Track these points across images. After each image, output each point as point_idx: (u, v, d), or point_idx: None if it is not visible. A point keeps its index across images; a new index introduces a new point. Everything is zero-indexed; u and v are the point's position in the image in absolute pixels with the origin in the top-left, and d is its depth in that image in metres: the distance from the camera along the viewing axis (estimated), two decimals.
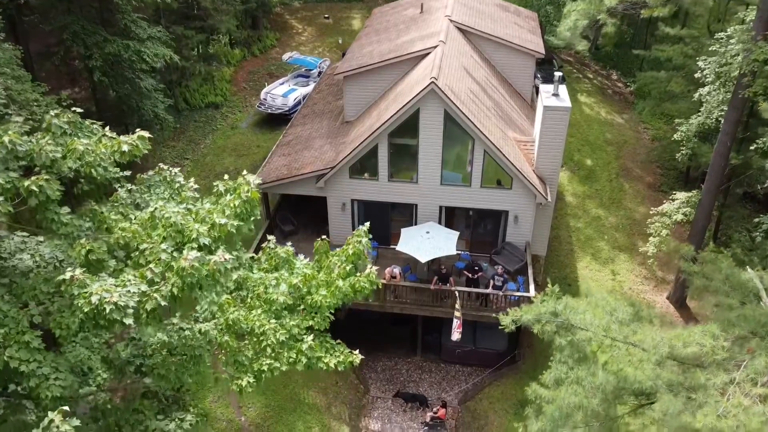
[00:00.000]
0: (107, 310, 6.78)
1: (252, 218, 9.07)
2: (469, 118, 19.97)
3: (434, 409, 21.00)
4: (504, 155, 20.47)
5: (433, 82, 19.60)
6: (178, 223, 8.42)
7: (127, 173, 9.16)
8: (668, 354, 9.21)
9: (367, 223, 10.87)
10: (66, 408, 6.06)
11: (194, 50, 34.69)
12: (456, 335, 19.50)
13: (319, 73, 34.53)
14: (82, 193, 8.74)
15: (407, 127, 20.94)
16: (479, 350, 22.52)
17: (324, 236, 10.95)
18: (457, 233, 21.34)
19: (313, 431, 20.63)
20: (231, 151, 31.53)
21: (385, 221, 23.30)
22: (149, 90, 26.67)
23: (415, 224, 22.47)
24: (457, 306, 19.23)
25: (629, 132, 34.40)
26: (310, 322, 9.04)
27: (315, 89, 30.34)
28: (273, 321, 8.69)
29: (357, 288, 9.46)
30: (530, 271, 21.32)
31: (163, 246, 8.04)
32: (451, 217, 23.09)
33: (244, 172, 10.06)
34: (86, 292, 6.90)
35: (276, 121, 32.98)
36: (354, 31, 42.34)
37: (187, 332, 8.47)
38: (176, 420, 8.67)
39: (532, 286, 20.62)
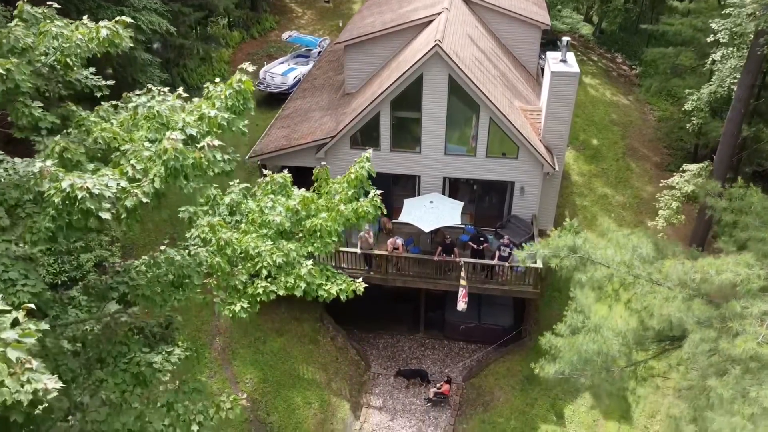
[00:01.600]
0: (79, 197, 6.09)
1: (245, 112, 8.44)
2: (474, 83, 19.33)
3: (438, 385, 20.34)
4: (510, 122, 19.83)
5: (437, 44, 18.96)
6: (163, 113, 7.81)
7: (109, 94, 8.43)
8: (701, 280, 8.55)
9: (370, 150, 10.22)
10: (31, 305, 5.41)
11: (192, 29, 34.04)
12: (461, 305, 18.83)
13: (319, 53, 33.88)
14: (59, 98, 8.06)
15: (410, 94, 20.30)
16: (484, 326, 21.85)
17: (324, 163, 10.25)
18: (462, 203, 20.69)
19: (313, 407, 19.97)
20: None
21: (387, 194, 22.59)
22: (144, 62, 25.99)
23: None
24: (462, 274, 18.57)
25: (635, 113, 33.77)
26: (310, 248, 8.39)
27: (315, 65, 29.72)
28: (269, 243, 8.04)
29: (360, 213, 8.80)
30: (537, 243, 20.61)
31: (147, 144, 7.40)
32: (454, 191, 22.45)
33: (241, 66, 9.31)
34: (58, 185, 6.25)
35: (275, 100, 32.26)
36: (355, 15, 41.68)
37: (177, 257, 7.82)
38: (163, 353, 8.02)
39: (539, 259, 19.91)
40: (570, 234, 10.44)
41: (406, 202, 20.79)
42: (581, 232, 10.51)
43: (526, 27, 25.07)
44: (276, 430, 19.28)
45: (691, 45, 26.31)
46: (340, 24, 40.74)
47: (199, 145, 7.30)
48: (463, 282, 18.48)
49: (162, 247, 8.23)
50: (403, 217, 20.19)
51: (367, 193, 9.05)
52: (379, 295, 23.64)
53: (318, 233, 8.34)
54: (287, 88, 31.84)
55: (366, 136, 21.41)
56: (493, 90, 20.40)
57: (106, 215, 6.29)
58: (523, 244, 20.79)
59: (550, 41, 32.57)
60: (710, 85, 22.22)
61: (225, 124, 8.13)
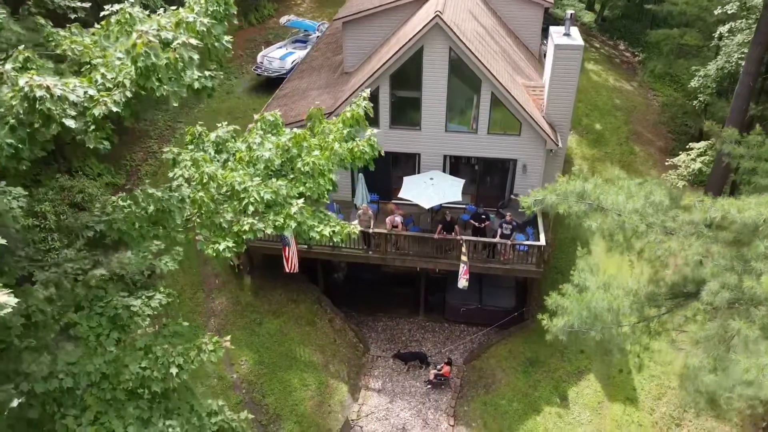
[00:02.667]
0: (38, 96, 5.54)
1: (227, 18, 7.89)
2: (476, 56, 18.83)
3: (438, 367, 19.81)
4: (513, 97, 19.33)
5: (437, 15, 18.46)
6: (136, 15, 7.25)
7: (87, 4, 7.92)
8: (722, 216, 8.03)
9: (368, 90, 9.71)
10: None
11: None
12: (462, 282, 18.30)
13: (318, 37, 33.36)
14: (29, 14, 7.54)
15: (410, 68, 19.79)
16: (485, 308, 21.32)
17: (318, 102, 9.76)
18: (463, 180, 20.17)
19: (310, 389, 19.45)
20: (226, 114, 30.30)
21: (387, 174, 22.13)
22: None
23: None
24: (463, 250, 18.04)
25: (638, 98, 33.26)
26: (301, 188, 7.86)
27: (313, 48, 29.22)
28: (257, 180, 7.51)
29: (356, 153, 8.28)
30: (540, 221, 20.13)
31: (119, 55, 6.87)
32: (455, 170, 21.92)
33: None
34: (17, 87, 5.72)
35: (273, 84, 31.70)
36: None
37: (157, 192, 7.28)
38: (143, 298, 7.48)
39: (542, 236, 19.45)
40: (579, 179, 9.91)
41: (406, 179, 20.28)
42: (590, 179, 9.97)
43: (528, 5, 24.59)
44: (272, 412, 18.76)
45: (696, 26, 25.81)
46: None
47: (173, 42, 6.72)
48: (464, 258, 17.95)
49: (142, 187, 7.72)
50: (403, 194, 19.68)
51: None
52: (378, 278, 23.21)
53: (310, 173, 7.81)
54: (285, 72, 31.33)
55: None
56: (495, 64, 19.90)
57: (70, 122, 5.76)
58: (525, 228, 20.55)
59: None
60: (717, 61, 21.72)
61: (204, 30, 7.54)
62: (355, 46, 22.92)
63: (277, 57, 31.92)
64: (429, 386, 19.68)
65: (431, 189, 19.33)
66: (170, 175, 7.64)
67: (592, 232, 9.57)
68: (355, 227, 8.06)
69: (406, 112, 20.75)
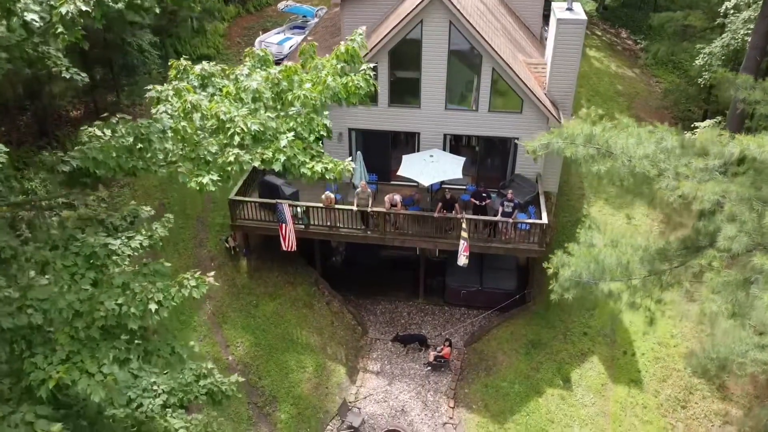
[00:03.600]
0: None
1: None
2: (477, 30, 18.42)
3: (438, 349, 19.39)
4: (515, 72, 18.91)
5: None
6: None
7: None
8: (740, 152, 7.62)
9: (364, 27, 9.29)
10: None
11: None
12: (462, 259, 17.88)
13: (316, 23, 32.95)
14: None
15: (410, 43, 19.37)
16: (486, 290, 20.89)
17: (311, 38, 9.30)
18: (463, 159, 19.74)
19: (307, 371, 19.02)
20: None
21: (385, 154, 21.72)
22: (134, 24, 25.11)
23: None
24: (464, 226, 17.60)
25: (640, 85, 32.85)
26: (291, 123, 7.42)
27: (311, 32, 28.81)
28: (244, 110, 7.07)
29: (351, 89, 7.85)
30: (542, 200, 19.71)
31: None
32: (455, 151, 21.46)
33: None
34: None
35: None
36: None
37: (137, 122, 6.83)
38: (122, 238, 7.02)
39: (544, 214, 19.03)
40: (587, 122, 9.47)
41: (405, 157, 19.85)
42: (599, 121, 9.52)
43: None
44: (268, 394, 18.34)
45: (700, 7, 25.40)
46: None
47: None
48: (464, 234, 17.52)
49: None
50: (402, 172, 19.24)
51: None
52: (376, 262, 22.78)
53: (301, 110, 7.38)
54: (283, 57, 30.92)
55: None
56: (496, 40, 19.49)
57: (33, 16, 5.33)
58: (527, 207, 20.12)
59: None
60: (722, 38, 21.29)
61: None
62: (353, 24, 22.41)
63: (274, 42, 31.54)
64: (429, 368, 19.26)
65: (431, 166, 18.91)
66: (153, 111, 7.20)
67: (600, 177, 9.13)
68: (349, 164, 7.62)
69: (405, 90, 20.32)
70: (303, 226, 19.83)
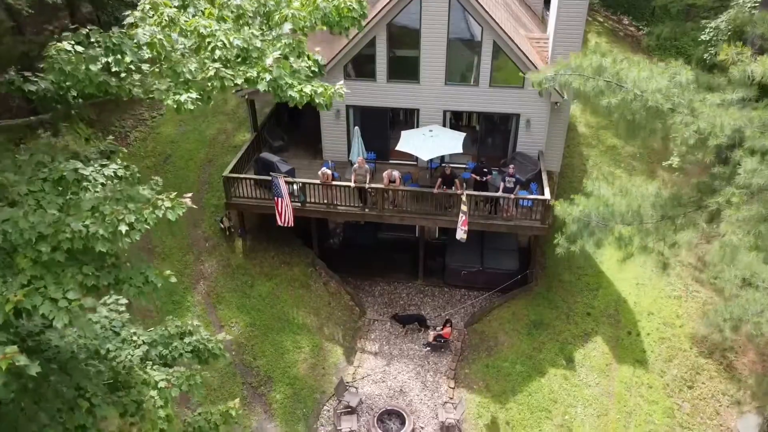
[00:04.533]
0: None
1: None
2: (477, 0, 17.93)
3: (438, 328, 18.90)
4: (516, 45, 18.43)
5: None
6: None
7: None
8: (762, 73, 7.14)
9: None
10: None
11: None
12: (460, 233, 17.37)
13: None
14: None
15: (408, 15, 18.87)
16: (487, 271, 20.40)
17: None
18: (464, 134, 19.24)
19: (303, 351, 18.53)
20: None
21: (384, 132, 21.22)
22: None
23: None
24: (463, 199, 17.11)
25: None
26: (278, 45, 6.94)
27: None
28: (225, 26, 6.59)
29: (342, 10, 7.35)
30: (545, 177, 19.22)
31: None
32: (455, 129, 20.96)
33: None
34: None
35: None
36: None
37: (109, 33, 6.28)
38: (95, 165, 6.49)
39: (547, 190, 18.53)
40: (596, 54, 8.97)
41: (404, 132, 19.36)
42: (608, 53, 9.01)
43: None
44: (263, 374, 17.85)
45: None
46: None
47: None
48: (463, 208, 17.02)
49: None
50: (401, 147, 18.75)
51: None
52: (375, 244, 22.28)
53: (288, 33, 6.92)
54: None
55: (361, 65, 20.01)
56: (498, 12, 19.01)
57: None
58: (529, 184, 19.63)
59: None
60: (729, 12, 20.80)
61: None
62: None
63: None
64: (428, 349, 18.76)
65: (431, 141, 18.42)
66: (131, 33, 6.67)
67: (610, 111, 8.62)
68: (341, 87, 7.12)
69: (404, 65, 19.82)
70: (299, 204, 19.33)
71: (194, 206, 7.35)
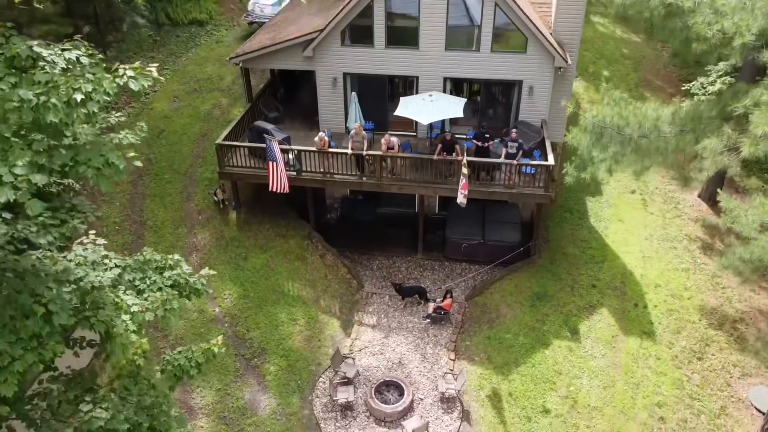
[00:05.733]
0: None
1: None
2: None
3: (437, 300, 18.27)
4: (518, 6, 17.82)
5: None
6: None
7: None
8: None
9: None
10: None
11: None
12: (461, 198, 16.74)
13: None
14: None
15: None
16: (489, 243, 19.76)
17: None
18: (464, 99, 18.64)
19: (299, 323, 17.90)
20: (214, 60, 28.85)
21: (382, 102, 20.62)
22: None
23: None
24: (464, 162, 16.48)
25: (647, 49, 31.76)
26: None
27: None
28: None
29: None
30: (548, 144, 18.60)
31: None
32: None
33: None
34: None
35: None
36: None
37: None
38: (55, 49, 5.76)
39: (550, 156, 17.91)
40: None
41: (403, 99, 18.74)
42: None
43: None
44: (256, 346, 17.22)
45: None
46: None
47: None
48: (464, 170, 16.39)
49: None
50: (400, 112, 18.14)
51: None
52: (373, 218, 21.64)
53: None
54: None
55: (358, 30, 19.41)
56: None
57: None
58: (532, 152, 19.02)
59: None
60: None
61: None
62: None
63: (269, 3, 30.43)
64: (428, 321, 18.14)
65: (431, 105, 17.81)
66: None
67: (626, 7, 7.99)
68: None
69: (403, 30, 19.21)
70: (295, 173, 18.73)
71: (161, 78, 6.72)
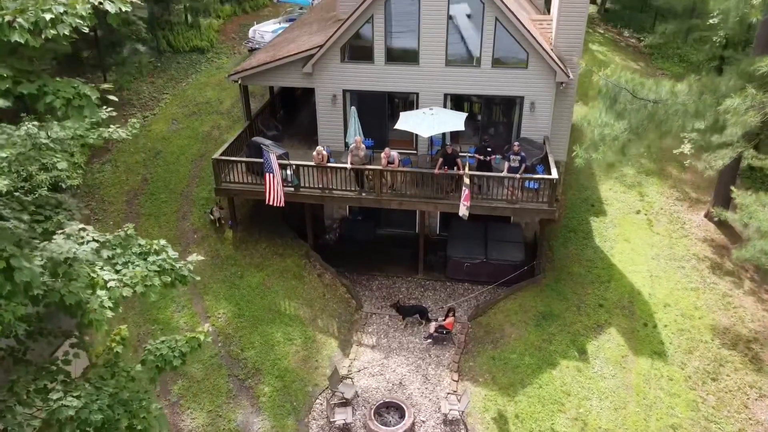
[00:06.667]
0: None
1: None
2: None
3: (439, 319, 17.60)
4: (520, 21, 17.73)
5: None
6: None
7: None
8: None
9: None
10: None
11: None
12: (463, 209, 16.26)
13: None
14: None
15: None
16: (491, 262, 19.20)
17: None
18: (465, 114, 18.37)
19: (295, 343, 17.20)
20: (214, 86, 28.80)
21: (382, 119, 20.37)
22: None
23: None
24: (465, 171, 16.06)
25: (646, 75, 31.79)
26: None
27: (307, 13, 27.92)
28: None
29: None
30: (551, 159, 18.25)
31: None
32: None
33: None
34: None
35: None
36: None
37: None
38: None
39: (554, 170, 17.54)
40: None
41: (403, 113, 18.46)
42: None
43: None
44: (251, 366, 16.49)
45: None
46: None
47: None
48: (466, 181, 15.97)
49: None
50: (400, 125, 17.83)
51: None
52: (373, 239, 21.12)
53: None
54: None
55: (358, 47, 19.29)
56: None
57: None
58: (535, 168, 18.64)
59: None
60: None
61: None
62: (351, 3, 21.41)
63: (269, 31, 30.61)
64: (429, 341, 17.43)
65: (431, 118, 17.52)
66: None
67: None
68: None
69: (403, 46, 19.09)
70: (293, 189, 18.32)
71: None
